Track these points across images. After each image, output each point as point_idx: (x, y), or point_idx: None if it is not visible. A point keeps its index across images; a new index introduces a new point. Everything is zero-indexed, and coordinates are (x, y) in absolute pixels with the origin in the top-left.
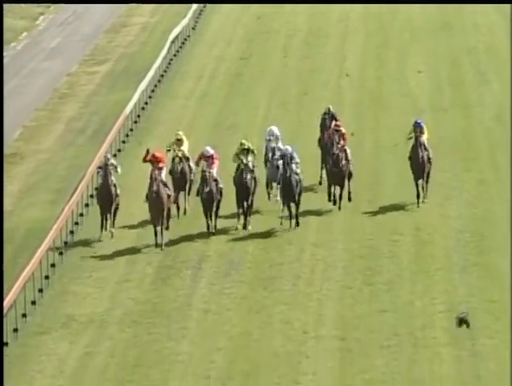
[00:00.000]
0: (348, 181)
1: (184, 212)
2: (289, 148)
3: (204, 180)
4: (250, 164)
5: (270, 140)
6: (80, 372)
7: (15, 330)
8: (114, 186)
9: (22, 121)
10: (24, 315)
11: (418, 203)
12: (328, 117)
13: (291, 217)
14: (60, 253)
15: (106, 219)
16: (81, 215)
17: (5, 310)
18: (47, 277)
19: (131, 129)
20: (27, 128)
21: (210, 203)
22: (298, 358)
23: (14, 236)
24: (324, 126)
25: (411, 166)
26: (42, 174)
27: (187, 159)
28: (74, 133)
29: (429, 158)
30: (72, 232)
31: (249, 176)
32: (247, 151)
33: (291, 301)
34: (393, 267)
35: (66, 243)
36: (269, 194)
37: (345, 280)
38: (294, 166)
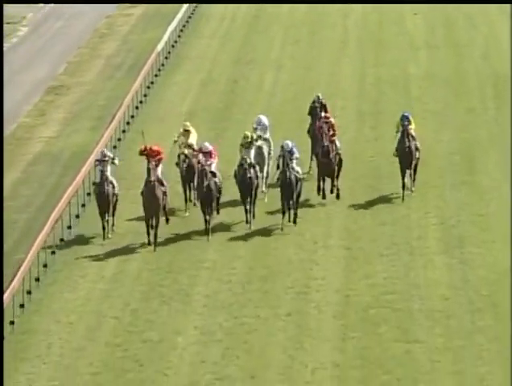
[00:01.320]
0: (337, 175)
1: (194, 204)
2: (289, 143)
3: (202, 175)
4: (252, 159)
5: (256, 128)
6: (118, 277)
7: (61, 239)
8: (112, 184)
9: (66, 57)
10: (69, 227)
11: (403, 195)
12: (318, 105)
13: (285, 212)
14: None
15: (107, 221)
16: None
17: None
18: (89, 194)
19: (163, 64)
20: (71, 63)
21: (209, 198)
22: (309, 265)
23: (60, 158)
24: (313, 115)
25: (399, 157)
26: (84, 104)
27: (194, 150)
28: (112, 68)
29: (417, 148)
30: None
31: (252, 171)
32: (250, 143)
33: (303, 215)
34: (392, 185)
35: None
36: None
37: (351, 196)
38: (294, 163)
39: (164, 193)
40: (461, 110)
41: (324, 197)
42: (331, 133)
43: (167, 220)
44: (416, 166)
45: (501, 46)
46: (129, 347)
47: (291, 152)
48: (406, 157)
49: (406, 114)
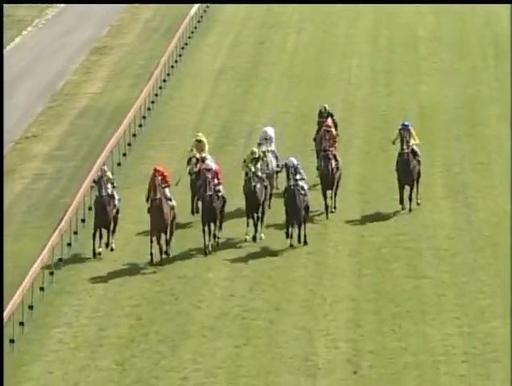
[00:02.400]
0: (336, 187)
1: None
2: (293, 159)
3: (205, 184)
4: (260, 172)
5: (261, 144)
6: None
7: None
8: (111, 197)
9: (109, 21)
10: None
11: (402, 208)
12: (325, 115)
13: (291, 236)
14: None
15: (101, 237)
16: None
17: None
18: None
19: (195, 27)
20: (113, 26)
21: (210, 209)
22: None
23: (104, 112)
24: (321, 126)
25: (398, 174)
26: (125, 63)
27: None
28: (150, 31)
29: (418, 161)
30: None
31: (258, 185)
32: (257, 160)
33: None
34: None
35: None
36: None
37: (365, 147)
38: (300, 182)
39: (172, 208)
40: (465, 69)
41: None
42: (331, 143)
43: (168, 242)
44: (418, 180)
45: (501, 12)
46: (165, 283)
47: (295, 168)
48: (408, 176)
49: (406, 124)
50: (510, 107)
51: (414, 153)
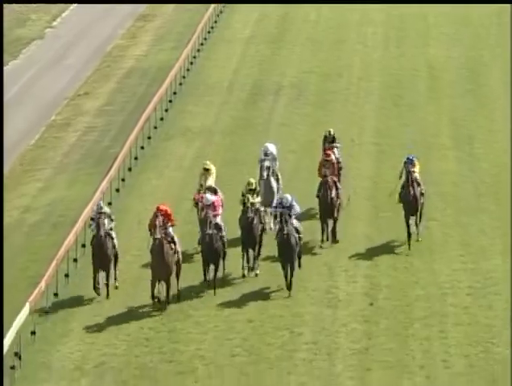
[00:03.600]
0: (336, 217)
1: None
2: (288, 197)
3: (205, 224)
4: (257, 204)
5: (264, 159)
6: (194, 167)
7: (149, 137)
8: (109, 236)
9: None
10: (155, 127)
11: (409, 244)
12: (329, 140)
13: (286, 279)
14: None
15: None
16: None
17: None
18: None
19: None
20: None
21: (211, 250)
22: (345, 158)
23: (148, 71)
24: (327, 148)
25: (403, 204)
26: (166, 29)
27: (215, 192)
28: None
29: (422, 194)
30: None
31: (255, 218)
32: (254, 191)
33: (341, 118)
34: (413, 93)
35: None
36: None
37: (380, 102)
38: (294, 221)
39: (175, 252)
40: (469, 35)
41: (327, 239)
42: (332, 171)
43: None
44: (421, 211)
45: None
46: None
47: (290, 208)
48: (411, 204)
49: (410, 157)
50: (510, 71)
51: (418, 184)
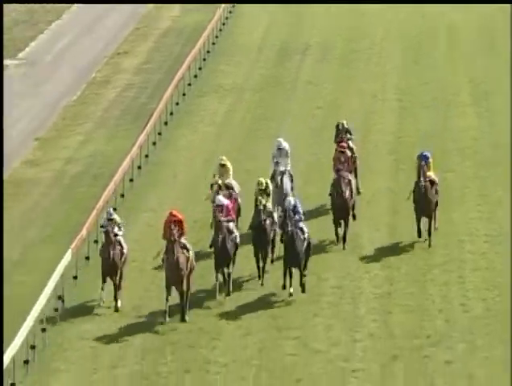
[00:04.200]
0: (349, 219)
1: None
2: (291, 200)
3: (218, 229)
4: (269, 206)
5: (277, 163)
6: (226, 122)
7: (183, 94)
8: (119, 244)
9: None
10: (189, 84)
11: (420, 238)
12: (343, 133)
13: (290, 284)
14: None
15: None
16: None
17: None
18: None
19: None
20: None
21: (223, 255)
22: (369, 115)
23: (184, 31)
24: (339, 140)
25: (415, 204)
26: None
27: (232, 189)
28: None
29: (436, 191)
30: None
31: (268, 220)
32: (265, 192)
33: (365, 76)
34: (433, 53)
35: None
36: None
37: (401, 61)
38: (300, 223)
39: (188, 259)
40: (485, 5)
41: (338, 241)
42: (347, 167)
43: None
44: (435, 212)
45: None
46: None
47: (294, 210)
48: (424, 207)
49: (425, 154)
50: None
51: (432, 182)
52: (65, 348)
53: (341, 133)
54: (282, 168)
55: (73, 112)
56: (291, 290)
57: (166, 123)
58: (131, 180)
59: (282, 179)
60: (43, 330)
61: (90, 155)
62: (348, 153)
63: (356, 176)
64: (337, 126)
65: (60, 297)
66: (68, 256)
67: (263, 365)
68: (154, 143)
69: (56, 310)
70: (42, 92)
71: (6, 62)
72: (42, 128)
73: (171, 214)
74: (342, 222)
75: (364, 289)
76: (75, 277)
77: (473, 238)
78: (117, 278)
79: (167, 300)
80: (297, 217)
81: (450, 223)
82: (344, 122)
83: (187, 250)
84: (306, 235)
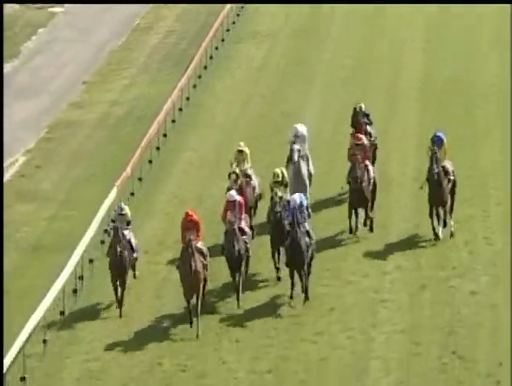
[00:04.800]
0: (372, 205)
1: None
2: (296, 198)
3: (231, 235)
4: (286, 197)
5: (294, 142)
6: (262, 67)
7: (222, 40)
8: (129, 243)
9: None
10: (227, 30)
11: (436, 236)
12: (361, 115)
13: (292, 286)
14: None
15: (117, 288)
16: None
17: None
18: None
19: None
20: None
21: (237, 262)
22: (396, 63)
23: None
24: (356, 127)
25: (428, 193)
26: None
27: (249, 177)
28: None
29: (449, 180)
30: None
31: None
32: (281, 183)
33: (394, 22)
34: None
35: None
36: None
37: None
38: (306, 224)
39: (204, 266)
40: None
41: (355, 231)
42: (363, 156)
43: (203, 296)
44: (453, 199)
45: None
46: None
47: (300, 208)
48: (439, 196)
49: (438, 134)
50: None
51: (446, 172)
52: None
53: (359, 116)
54: (297, 146)
55: (118, 58)
56: (295, 293)
57: (205, 67)
58: (173, 121)
59: (299, 166)
60: (91, 261)
61: (134, 98)
62: (365, 141)
63: (373, 164)
64: (355, 109)
65: (106, 231)
66: (113, 193)
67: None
68: (194, 86)
69: (103, 242)
70: (88, 39)
71: (54, 9)
72: (88, 72)
73: (187, 214)
74: (360, 212)
75: (393, 220)
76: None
77: (496, 173)
78: (125, 284)
79: (189, 311)
80: (303, 216)
81: (475, 159)
82: (362, 105)
83: (204, 256)
84: (311, 237)
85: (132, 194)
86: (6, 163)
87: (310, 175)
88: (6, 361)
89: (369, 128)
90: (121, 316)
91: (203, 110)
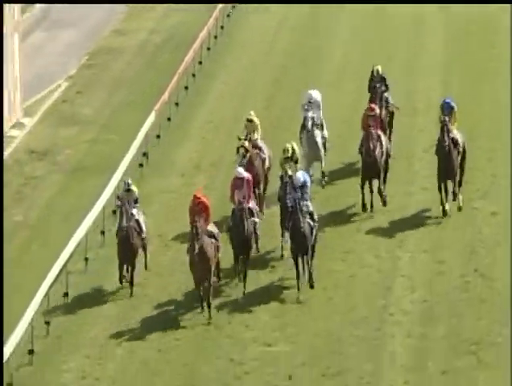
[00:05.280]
0: (384, 178)
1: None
2: (300, 177)
3: (238, 215)
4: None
5: (307, 109)
6: (286, 13)
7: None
8: (136, 223)
9: None
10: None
11: (444, 211)
12: (378, 80)
13: (298, 276)
14: None
15: (127, 270)
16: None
17: None
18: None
19: None
20: None
21: (242, 244)
22: (415, 37)
23: None
24: (373, 92)
25: (438, 164)
26: None
27: (259, 149)
28: None
29: (459, 152)
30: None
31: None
32: (291, 159)
33: None
34: None
35: None
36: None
37: None
38: (309, 205)
39: (217, 248)
40: None
41: (368, 208)
42: (376, 125)
43: (219, 278)
44: (462, 171)
45: None
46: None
47: (303, 187)
48: (448, 167)
49: (447, 101)
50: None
51: (455, 143)
52: None
53: (375, 81)
54: (311, 114)
55: None
56: (301, 282)
57: (222, 27)
58: (208, 48)
59: (313, 134)
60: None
61: (172, 26)
62: (378, 111)
63: (390, 132)
64: (372, 72)
65: (145, 154)
66: (151, 118)
67: None
68: (228, 15)
69: (141, 165)
70: None
71: None
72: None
73: (195, 197)
74: (373, 184)
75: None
76: (158, 136)
77: None
78: (134, 265)
79: (199, 295)
80: (305, 197)
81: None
82: (379, 68)
83: (215, 238)
84: (315, 221)
85: (169, 119)
86: (49, 88)
87: (325, 143)
88: (51, 275)
89: (386, 94)
90: (132, 295)
91: (235, 40)
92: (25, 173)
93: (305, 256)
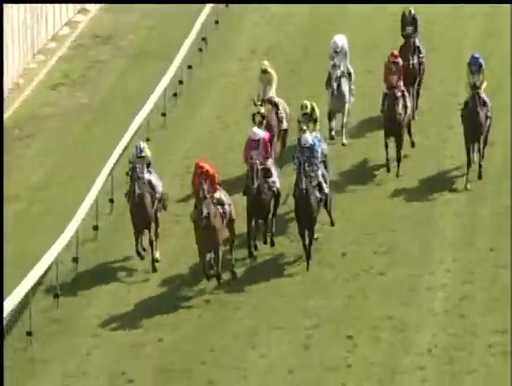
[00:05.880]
0: (409, 132)
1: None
2: (308, 138)
3: (252, 173)
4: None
5: (333, 58)
6: None
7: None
8: (150, 185)
9: None
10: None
11: (467, 173)
12: (410, 21)
13: (305, 248)
14: None
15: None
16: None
17: None
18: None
19: None
20: None
21: (257, 205)
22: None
23: None
24: (405, 35)
25: (464, 125)
26: None
27: (275, 105)
28: None
29: (487, 117)
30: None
31: None
32: (310, 117)
33: None
34: None
35: None
36: (330, 130)
37: None
38: (318, 171)
39: (226, 215)
40: None
41: (388, 170)
42: (398, 76)
43: (233, 242)
44: (486, 139)
45: None
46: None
47: (311, 151)
48: (475, 129)
49: (475, 56)
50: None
51: (484, 103)
52: None
53: (406, 23)
54: (339, 71)
55: None
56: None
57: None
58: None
59: (340, 84)
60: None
61: None
62: (401, 61)
63: (419, 87)
64: (403, 14)
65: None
66: (209, 5)
67: None
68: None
69: (200, 50)
70: None
71: None
72: None
73: (197, 166)
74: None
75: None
76: (216, 22)
77: None
78: (153, 229)
79: (206, 273)
80: (312, 161)
81: None
82: (412, 10)
83: (223, 204)
84: (325, 190)
85: (227, 5)
86: None
87: (351, 94)
88: (100, 178)
89: (417, 40)
90: (154, 263)
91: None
92: (90, 57)
93: (307, 230)
